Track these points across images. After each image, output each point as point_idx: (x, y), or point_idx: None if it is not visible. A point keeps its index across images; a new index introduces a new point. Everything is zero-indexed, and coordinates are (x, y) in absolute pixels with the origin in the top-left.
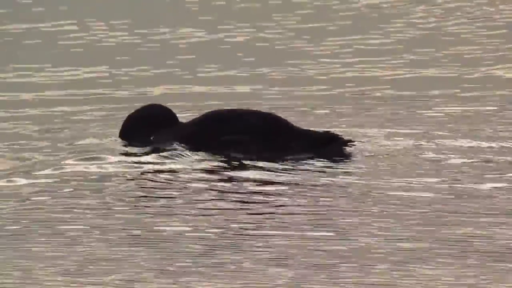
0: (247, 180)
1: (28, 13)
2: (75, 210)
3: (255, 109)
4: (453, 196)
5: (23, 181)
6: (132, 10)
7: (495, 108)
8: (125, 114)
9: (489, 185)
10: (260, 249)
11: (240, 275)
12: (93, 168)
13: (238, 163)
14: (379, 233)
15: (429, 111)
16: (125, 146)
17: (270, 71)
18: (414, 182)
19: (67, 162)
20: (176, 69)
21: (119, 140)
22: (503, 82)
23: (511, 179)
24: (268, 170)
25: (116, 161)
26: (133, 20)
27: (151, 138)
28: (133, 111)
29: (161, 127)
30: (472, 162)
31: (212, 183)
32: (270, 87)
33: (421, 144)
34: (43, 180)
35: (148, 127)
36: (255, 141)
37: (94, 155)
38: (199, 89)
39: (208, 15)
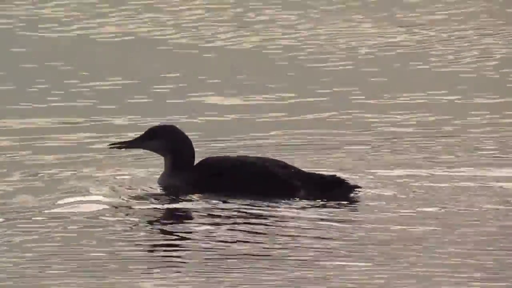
0: (250, 229)
1: None
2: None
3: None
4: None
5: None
6: None
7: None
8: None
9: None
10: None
11: None
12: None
13: (241, 209)
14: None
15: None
16: (128, 188)
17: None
18: (420, 228)
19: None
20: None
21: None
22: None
23: None
24: (275, 215)
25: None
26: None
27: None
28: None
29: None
30: (488, 198)
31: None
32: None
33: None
34: (42, 223)
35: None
36: (265, 189)
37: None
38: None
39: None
